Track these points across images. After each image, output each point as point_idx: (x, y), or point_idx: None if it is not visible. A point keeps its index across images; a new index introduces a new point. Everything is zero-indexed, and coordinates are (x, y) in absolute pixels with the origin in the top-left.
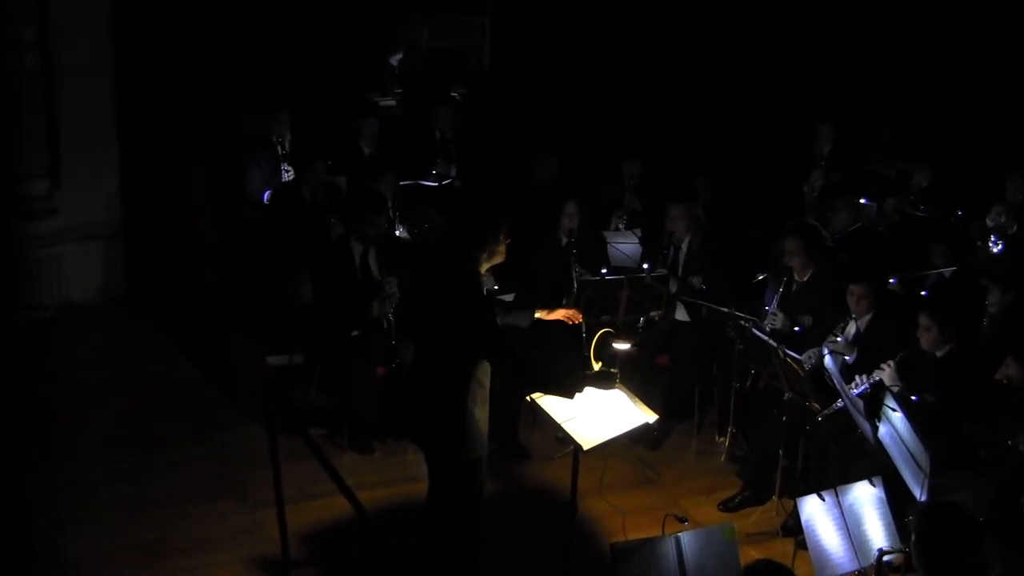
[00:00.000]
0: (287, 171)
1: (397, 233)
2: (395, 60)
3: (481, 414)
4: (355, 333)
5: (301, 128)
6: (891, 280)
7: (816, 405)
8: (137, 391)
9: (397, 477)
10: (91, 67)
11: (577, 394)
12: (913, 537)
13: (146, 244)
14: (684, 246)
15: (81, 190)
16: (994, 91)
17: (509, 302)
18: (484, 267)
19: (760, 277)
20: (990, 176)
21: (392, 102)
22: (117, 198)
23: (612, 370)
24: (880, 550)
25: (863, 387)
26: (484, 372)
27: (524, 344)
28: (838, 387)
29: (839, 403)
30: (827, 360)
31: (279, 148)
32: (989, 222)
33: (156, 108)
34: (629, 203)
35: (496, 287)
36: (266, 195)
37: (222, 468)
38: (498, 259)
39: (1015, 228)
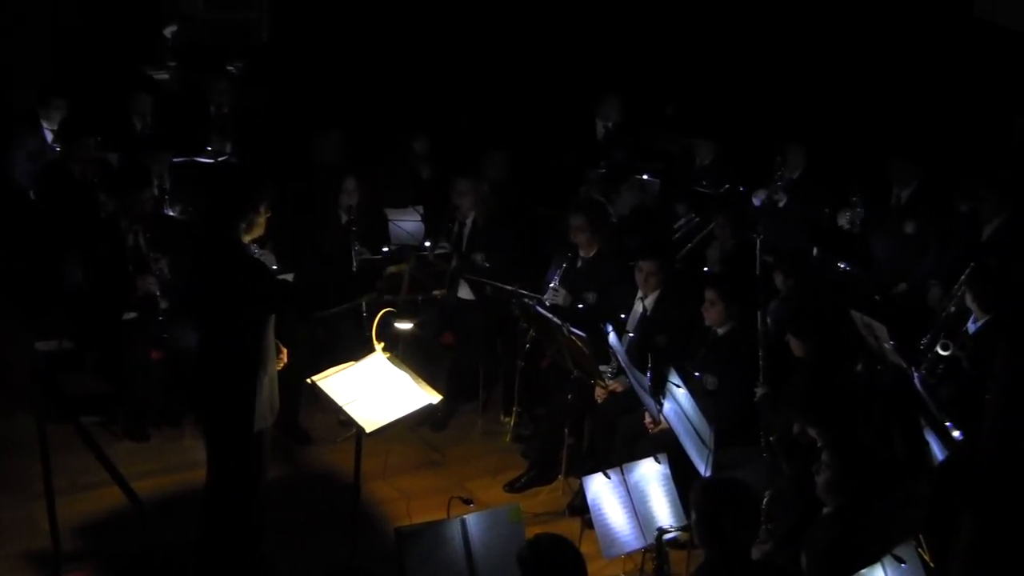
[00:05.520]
0: (54, 149)
1: (169, 213)
2: (169, 32)
3: (268, 386)
4: (129, 316)
5: (71, 102)
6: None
7: (601, 382)
8: None
9: (175, 464)
10: None
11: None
12: (693, 513)
13: None
14: (469, 222)
15: None
16: (774, 67)
17: None
18: (246, 238)
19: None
20: (770, 152)
21: (166, 75)
22: None
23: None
24: (660, 528)
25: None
26: (270, 345)
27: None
28: (623, 364)
29: (611, 368)
30: (611, 338)
31: (47, 130)
32: (761, 195)
33: None
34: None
35: (275, 267)
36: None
37: None
38: (258, 231)
39: (784, 201)
